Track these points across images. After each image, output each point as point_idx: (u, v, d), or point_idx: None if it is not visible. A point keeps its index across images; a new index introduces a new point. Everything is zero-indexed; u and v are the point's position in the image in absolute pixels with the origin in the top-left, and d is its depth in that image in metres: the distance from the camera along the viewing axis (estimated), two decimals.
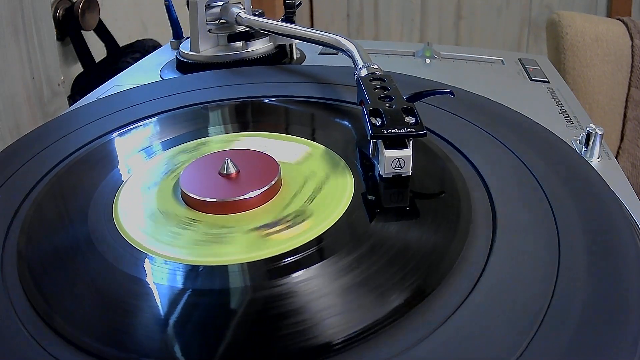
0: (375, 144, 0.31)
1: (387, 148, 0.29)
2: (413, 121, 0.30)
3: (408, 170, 0.30)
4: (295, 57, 0.55)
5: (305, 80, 0.45)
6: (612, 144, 0.74)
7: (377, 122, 0.30)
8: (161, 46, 0.66)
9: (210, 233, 0.27)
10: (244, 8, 0.52)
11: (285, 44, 0.54)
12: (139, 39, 0.85)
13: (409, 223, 0.27)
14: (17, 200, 0.31)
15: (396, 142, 0.30)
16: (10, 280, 0.25)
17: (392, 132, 0.29)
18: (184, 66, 0.53)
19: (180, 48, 0.54)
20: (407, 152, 0.29)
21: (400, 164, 0.29)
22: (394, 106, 0.31)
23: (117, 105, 0.42)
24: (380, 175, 0.30)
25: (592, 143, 0.36)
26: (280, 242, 0.26)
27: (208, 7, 0.52)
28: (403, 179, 0.30)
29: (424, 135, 0.29)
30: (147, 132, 0.38)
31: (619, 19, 0.77)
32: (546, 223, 0.27)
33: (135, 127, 0.38)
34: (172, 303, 0.23)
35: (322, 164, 0.32)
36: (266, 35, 0.52)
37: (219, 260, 0.25)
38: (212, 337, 0.22)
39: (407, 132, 0.29)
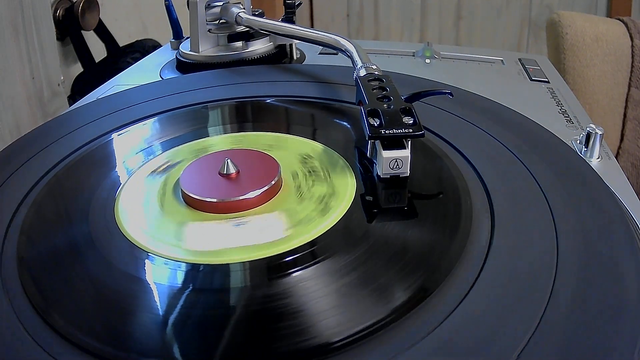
0: (374, 144, 0.31)
1: (385, 148, 0.29)
2: (411, 122, 0.30)
3: (406, 170, 0.30)
4: (295, 57, 0.55)
5: (305, 79, 0.45)
6: (612, 144, 0.74)
7: (375, 122, 0.30)
8: (161, 46, 0.66)
9: (210, 232, 0.27)
10: (244, 8, 0.52)
11: (285, 44, 0.54)
12: (139, 39, 0.85)
13: (408, 223, 0.28)
14: (17, 200, 0.31)
15: (394, 143, 0.30)
16: (10, 280, 0.25)
17: (389, 133, 0.29)
18: (184, 66, 0.53)
19: (180, 48, 0.54)
20: (405, 153, 0.29)
21: (398, 165, 0.29)
22: (392, 106, 0.31)
23: (117, 105, 0.42)
24: (378, 176, 0.30)
25: (592, 143, 0.36)
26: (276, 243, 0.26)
27: (208, 7, 0.52)
28: (401, 179, 0.30)
29: (422, 136, 0.29)
30: (147, 132, 0.38)
31: (619, 19, 0.76)
32: (545, 223, 0.27)
33: (135, 127, 0.38)
34: (172, 303, 0.23)
35: (322, 164, 0.32)
36: (266, 35, 0.52)
37: (218, 260, 0.25)
38: (212, 337, 0.22)
39: (405, 132, 0.29)
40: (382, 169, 0.29)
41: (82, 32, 0.77)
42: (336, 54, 0.51)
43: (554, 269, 0.24)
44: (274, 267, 0.25)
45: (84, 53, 0.77)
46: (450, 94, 0.34)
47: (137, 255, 0.26)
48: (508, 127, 0.36)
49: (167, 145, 0.35)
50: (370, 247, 0.25)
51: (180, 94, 0.43)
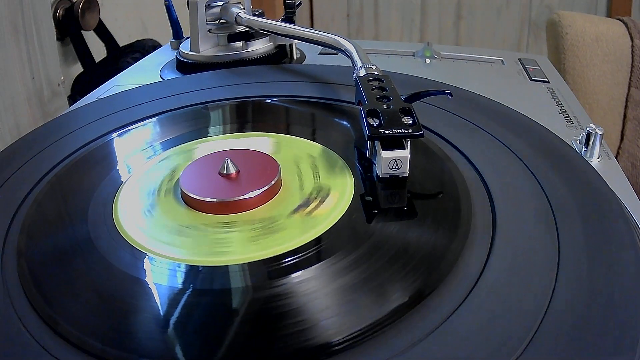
0: (373, 144, 0.31)
1: (384, 149, 0.29)
2: (410, 122, 0.30)
3: (405, 171, 0.30)
4: (295, 57, 0.55)
5: (305, 79, 0.45)
6: (612, 144, 0.74)
7: (375, 122, 0.30)
8: (161, 46, 0.66)
9: (210, 232, 0.27)
10: (244, 8, 0.52)
11: (285, 44, 0.54)
12: (139, 39, 0.85)
13: (408, 224, 0.28)
14: (17, 200, 0.31)
15: (393, 143, 0.30)
16: (10, 280, 0.25)
17: (389, 133, 0.29)
18: (184, 66, 0.53)
19: (180, 48, 0.54)
20: (405, 153, 0.29)
21: (397, 165, 0.29)
22: (391, 107, 0.31)
23: (117, 105, 0.42)
24: (377, 176, 0.30)
25: (592, 143, 0.36)
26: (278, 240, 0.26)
27: (208, 7, 0.52)
28: (400, 179, 0.30)
29: (421, 136, 0.29)
30: (147, 132, 0.38)
31: (619, 19, 0.76)
32: (546, 223, 0.27)
33: (135, 128, 0.38)
34: (172, 303, 0.23)
35: (321, 164, 0.32)
36: (266, 35, 0.52)
37: (218, 261, 0.25)
38: (212, 338, 0.22)
39: (404, 132, 0.29)
40: (381, 169, 0.29)
41: (82, 32, 0.77)
42: (336, 54, 0.51)
43: (555, 270, 0.24)
44: (273, 268, 0.25)
45: (84, 53, 0.77)
46: (450, 94, 0.34)
47: (136, 255, 0.26)
48: (508, 127, 0.36)
49: (167, 146, 0.35)
50: (370, 247, 0.25)
51: (180, 94, 0.43)
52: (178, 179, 0.31)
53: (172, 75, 0.52)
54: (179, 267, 0.25)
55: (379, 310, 0.22)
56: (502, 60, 0.57)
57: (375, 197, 0.30)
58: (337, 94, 0.42)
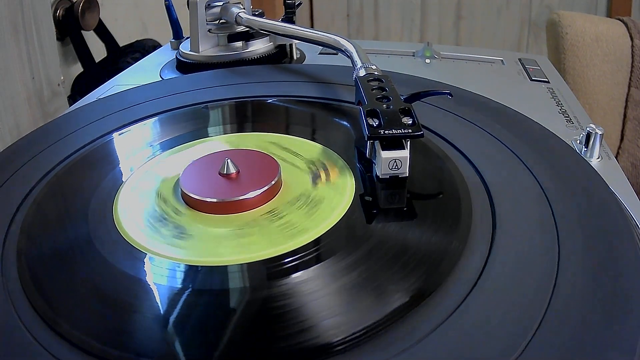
0: (373, 144, 0.31)
1: (384, 149, 0.29)
2: (410, 122, 0.30)
3: (405, 171, 0.30)
4: (295, 57, 0.55)
5: (305, 79, 0.45)
6: (612, 144, 0.74)
7: (374, 122, 0.30)
8: (161, 46, 0.66)
9: (210, 232, 0.27)
10: (244, 8, 0.52)
11: (285, 44, 0.54)
12: (139, 39, 0.85)
13: (408, 224, 0.28)
14: (17, 200, 0.31)
15: (393, 143, 0.30)
16: (10, 280, 0.25)
17: (389, 133, 0.29)
18: (184, 66, 0.53)
19: (180, 48, 0.54)
20: (404, 153, 0.29)
21: (397, 165, 0.29)
22: (391, 107, 0.31)
23: (117, 105, 0.42)
24: (377, 176, 0.30)
25: (592, 143, 0.37)
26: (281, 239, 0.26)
27: (208, 7, 0.52)
28: (400, 179, 0.30)
29: (421, 136, 0.29)
30: (147, 132, 0.38)
31: (619, 19, 0.76)
32: (546, 223, 0.27)
33: (135, 127, 0.38)
34: (172, 303, 0.23)
35: (321, 164, 0.32)
36: (266, 35, 0.52)
37: (218, 261, 0.25)
38: (212, 338, 0.22)
39: (404, 133, 0.29)
40: (381, 170, 0.29)
41: (82, 32, 0.77)
42: (336, 54, 0.51)
43: (555, 270, 0.24)
44: (274, 268, 0.25)
45: (84, 53, 0.77)
46: (450, 94, 0.34)
47: (136, 255, 0.26)
48: (508, 126, 0.36)
49: (167, 146, 0.35)
50: (370, 247, 0.25)
51: (180, 94, 0.43)
52: (178, 179, 0.31)
53: (172, 75, 0.52)
54: (179, 267, 0.25)
55: (379, 311, 0.22)
56: (502, 60, 0.57)
57: (375, 197, 0.30)
58: (337, 94, 0.42)
